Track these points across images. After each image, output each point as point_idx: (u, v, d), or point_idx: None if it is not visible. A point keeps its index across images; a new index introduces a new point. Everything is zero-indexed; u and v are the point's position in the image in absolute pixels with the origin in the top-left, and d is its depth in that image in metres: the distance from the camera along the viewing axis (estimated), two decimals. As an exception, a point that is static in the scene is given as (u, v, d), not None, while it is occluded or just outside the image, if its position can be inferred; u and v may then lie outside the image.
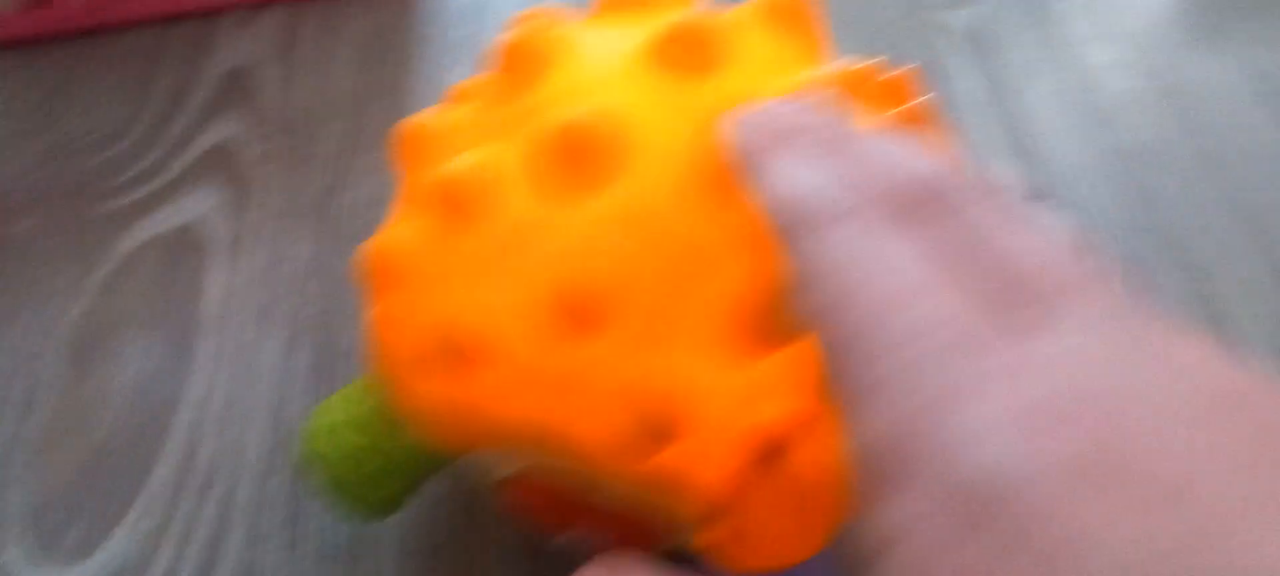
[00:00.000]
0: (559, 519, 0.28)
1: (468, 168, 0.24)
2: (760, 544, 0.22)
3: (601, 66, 0.25)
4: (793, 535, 0.22)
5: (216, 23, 0.51)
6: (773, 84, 0.25)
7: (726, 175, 0.23)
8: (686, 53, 0.25)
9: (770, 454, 0.22)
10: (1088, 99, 0.57)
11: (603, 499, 0.26)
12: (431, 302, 0.24)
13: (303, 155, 0.46)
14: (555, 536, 0.31)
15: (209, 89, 0.48)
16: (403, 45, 0.52)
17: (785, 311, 0.22)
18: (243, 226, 0.43)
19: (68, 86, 0.47)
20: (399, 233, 0.25)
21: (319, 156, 0.46)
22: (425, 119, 0.27)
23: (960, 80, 0.56)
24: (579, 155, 0.23)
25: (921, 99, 0.27)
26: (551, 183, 0.24)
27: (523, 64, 0.26)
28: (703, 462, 0.22)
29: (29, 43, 0.48)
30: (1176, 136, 0.55)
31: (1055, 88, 0.57)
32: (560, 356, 0.23)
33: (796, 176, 0.20)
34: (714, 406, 0.22)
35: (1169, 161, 0.54)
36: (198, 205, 0.43)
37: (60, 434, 0.36)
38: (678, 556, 0.32)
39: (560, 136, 0.23)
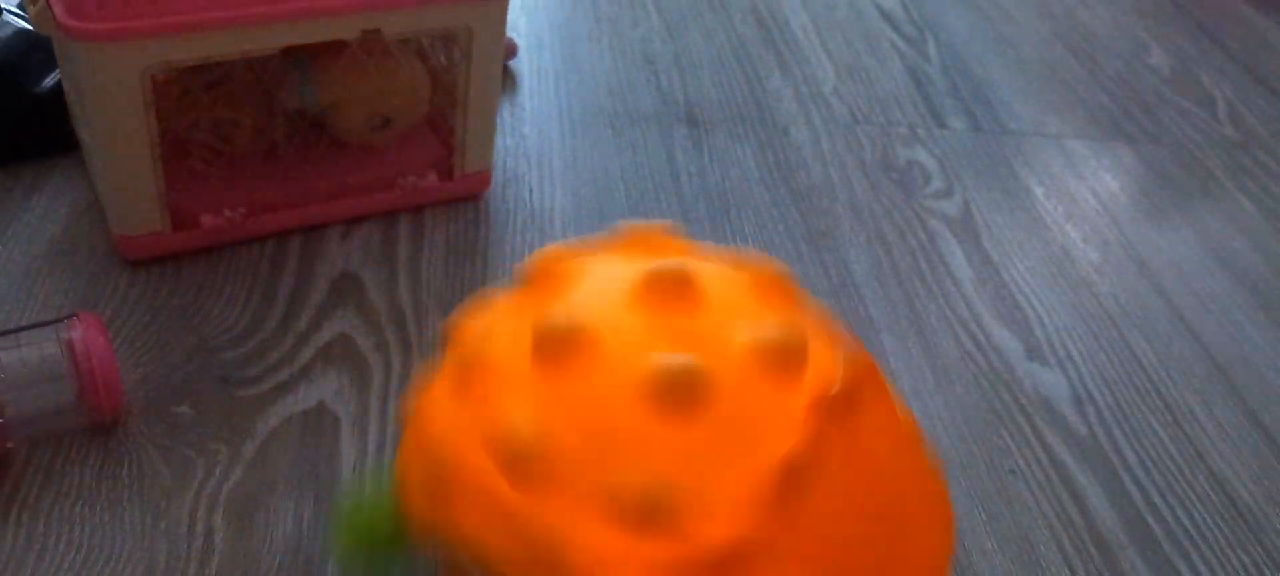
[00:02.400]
0: None
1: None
2: None
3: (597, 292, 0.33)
4: None
5: (324, 234, 0.59)
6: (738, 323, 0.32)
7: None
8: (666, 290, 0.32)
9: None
10: (1068, 269, 0.66)
11: None
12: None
13: (409, 342, 0.54)
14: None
15: (323, 290, 0.56)
16: (480, 249, 0.61)
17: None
18: (365, 403, 0.50)
19: (207, 292, 0.55)
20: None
21: (423, 343, 0.54)
22: (468, 318, 0.35)
23: (955, 259, 0.66)
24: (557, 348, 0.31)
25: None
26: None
27: (543, 283, 0.34)
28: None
29: (176, 257, 0.56)
30: (1151, 299, 0.64)
31: (1039, 261, 0.66)
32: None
33: None
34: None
35: (1147, 322, 0.62)
36: (326, 387, 0.50)
37: (236, 581, 0.42)
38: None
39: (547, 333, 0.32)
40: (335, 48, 0.57)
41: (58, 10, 0.46)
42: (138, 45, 0.47)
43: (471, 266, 0.59)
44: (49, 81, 0.60)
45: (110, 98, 0.49)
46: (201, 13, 0.48)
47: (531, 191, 0.66)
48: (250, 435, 0.48)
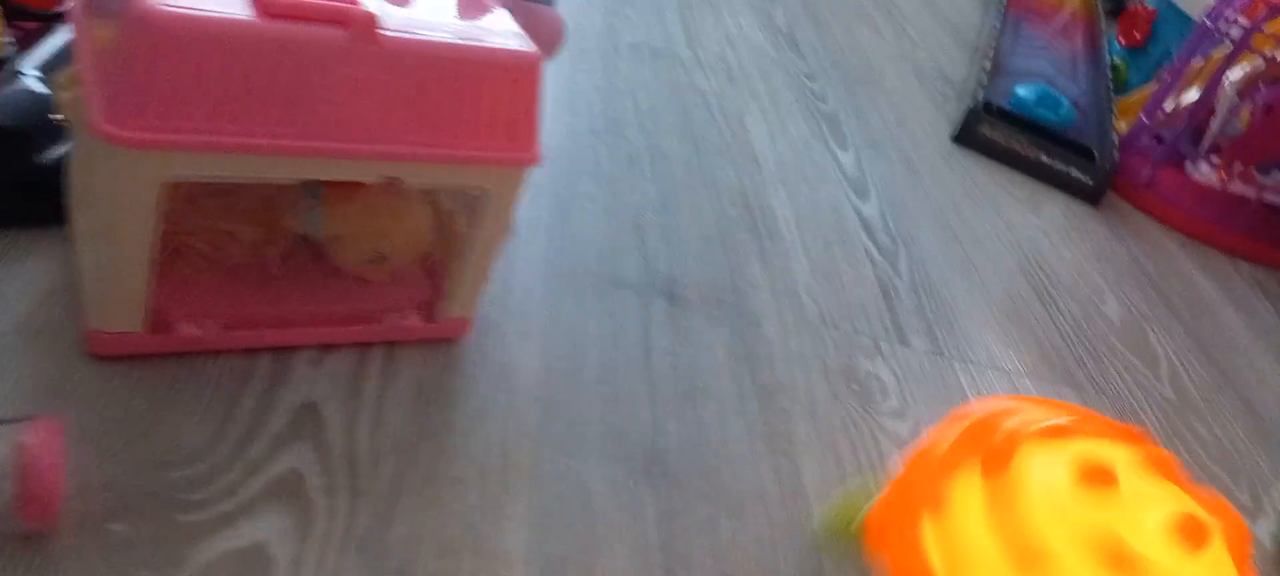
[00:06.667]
0: None
1: None
2: None
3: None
4: None
5: (294, 357, 0.57)
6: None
7: None
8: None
9: None
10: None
11: None
12: None
13: (359, 489, 0.51)
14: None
15: (284, 418, 0.53)
16: (450, 395, 0.58)
17: None
18: (304, 550, 0.47)
19: (167, 401, 0.52)
20: None
21: (373, 492, 0.51)
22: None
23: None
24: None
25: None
26: None
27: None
28: None
29: (145, 358, 0.53)
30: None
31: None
32: None
33: None
34: None
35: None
36: (267, 526, 0.48)
37: None
38: None
39: None
40: (351, 185, 0.55)
41: (96, 113, 0.44)
42: (165, 157, 0.45)
43: (438, 415, 0.57)
44: (55, 154, 0.58)
45: (123, 199, 0.47)
46: (235, 137, 0.46)
47: (507, 345, 0.64)
48: (182, 566, 0.45)
